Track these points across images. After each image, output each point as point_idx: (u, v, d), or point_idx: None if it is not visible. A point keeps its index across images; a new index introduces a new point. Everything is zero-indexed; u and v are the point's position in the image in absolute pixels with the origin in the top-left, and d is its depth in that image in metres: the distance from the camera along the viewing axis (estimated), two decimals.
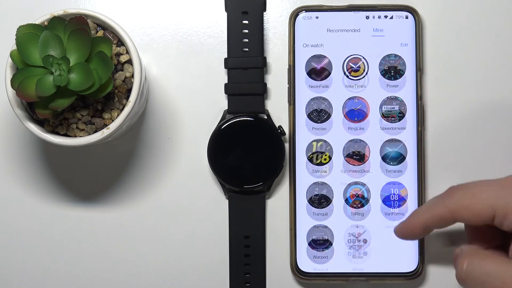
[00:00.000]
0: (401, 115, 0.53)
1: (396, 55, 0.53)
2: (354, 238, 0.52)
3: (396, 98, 0.53)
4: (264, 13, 0.53)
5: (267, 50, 0.54)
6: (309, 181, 0.53)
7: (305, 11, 0.53)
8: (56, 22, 0.46)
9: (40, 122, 0.48)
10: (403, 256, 0.52)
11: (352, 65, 0.53)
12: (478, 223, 0.43)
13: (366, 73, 0.53)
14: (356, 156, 0.53)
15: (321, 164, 0.53)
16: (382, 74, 0.53)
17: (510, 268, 0.41)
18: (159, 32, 0.54)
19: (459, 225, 0.53)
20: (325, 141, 0.53)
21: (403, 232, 0.46)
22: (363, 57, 0.53)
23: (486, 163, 0.53)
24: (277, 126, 0.52)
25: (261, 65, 0.52)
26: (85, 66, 0.45)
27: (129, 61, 0.48)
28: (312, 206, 0.53)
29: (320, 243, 0.53)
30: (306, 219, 0.53)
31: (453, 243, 0.53)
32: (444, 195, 0.44)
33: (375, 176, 0.53)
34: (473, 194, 0.42)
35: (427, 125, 0.54)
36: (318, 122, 0.53)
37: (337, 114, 0.53)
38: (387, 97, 0.53)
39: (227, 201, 0.53)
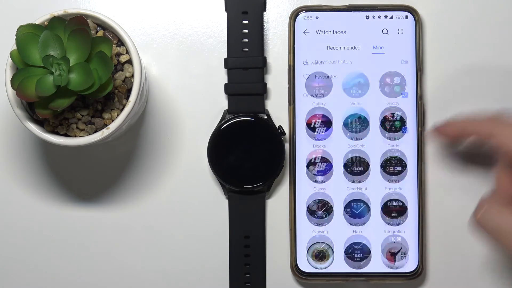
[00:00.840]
0: (401, 116, 0.53)
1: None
2: (354, 238, 0.52)
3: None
4: (264, 13, 0.53)
5: (267, 50, 0.54)
6: (309, 181, 0.53)
7: (305, 11, 0.53)
8: (56, 22, 0.46)
9: (40, 122, 0.48)
10: (403, 256, 0.52)
11: None
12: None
13: None
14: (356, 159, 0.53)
15: None
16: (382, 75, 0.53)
17: None
18: (159, 32, 0.54)
19: (461, 224, 0.53)
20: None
21: (439, 127, 0.48)
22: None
23: (486, 163, 0.53)
24: (277, 126, 0.52)
25: (261, 65, 0.52)
26: (85, 66, 0.45)
27: (129, 61, 0.48)
28: (312, 206, 0.53)
29: (320, 243, 0.53)
30: (306, 219, 0.53)
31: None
32: (493, 119, 0.45)
33: (375, 176, 0.53)
34: None
35: (427, 125, 0.53)
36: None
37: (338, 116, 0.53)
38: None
39: (227, 201, 0.53)
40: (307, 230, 0.52)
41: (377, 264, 0.52)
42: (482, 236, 0.44)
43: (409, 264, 0.52)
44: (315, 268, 0.52)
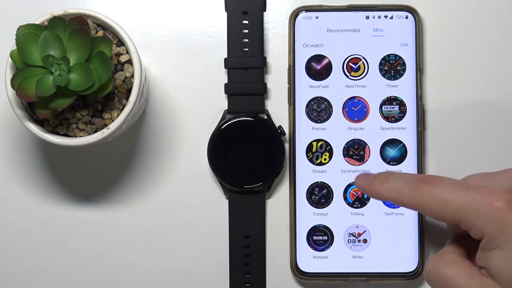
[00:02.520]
0: (401, 115, 0.53)
1: (396, 55, 0.53)
2: (354, 238, 0.52)
3: (396, 98, 0.53)
4: (264, 13, 0.53)
5: (267, 50, 0.54)
6: (309, 181, 0.53)
7: (305, 11, 0.53)
8: (56, 22, 0.46)
9: (40, 122, 0.48)
10: (403, 256, 0.52)
11: (352, 65, 0.53)
12: (445, 222, 0.43)
13: (366, 73, 0.53)
14: (356, 156, 0.53)
15: (321, 164, 0.53)
16: (382, 74, 0.53)
17: (469, 281, 0.41)
18: (159, 32, 0.54)
19: None
20: (325, 141, 0.53)
21: (364, 190, 0.45)
22: (363, 57, 0.53)
23: (486, 163, 0.53)
24: (277, 126, 0.52)
25: (261, 65, 0.52)
26: (85, 66, 0.45)
27: (129, 61, 0.48)
28: (312, 206, 0.53)
29: (320, 243, 0.53)
30: (306, 219, 0.53)
31: None
32: (414, 185, 0.43)
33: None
34: (441, 201, 0.41)
35: (427, 125, 0.54)
36: (318, 122, 0.53)
37: (337, 114, 0.53)
38: (387, 97, 0.53)
39: (227, 201, 0.53)
40: (307, 230, 0.52)
41: (377, 263, 0.52)
42: None
43: (409, 264, 0.52)
44: (315, 258, 0.52)
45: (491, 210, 0.40)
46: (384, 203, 0.53)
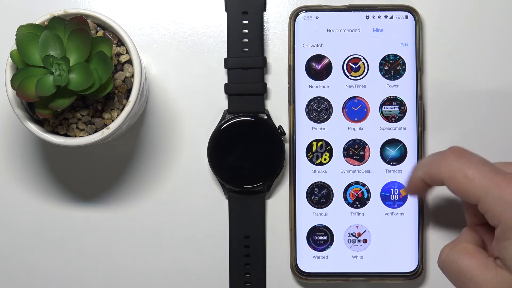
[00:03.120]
0: (401, 115, 0.53)
1: (396, 55, 0.53)
2: (354, 238, 0.52)
3: (396, 98, 0.53)
4: (264, 13, 0.53)
5: (267, 50, 0.54)
6: (309, 181, 0.53)
7: (305, 11, 0.53)
8: (56, 22, 0.46)
9: (40, 122, 0.48)
10: (403, 256, 0.52)
11: (352, 65, 0.53)
12: (462, 199, 0.43)
13: (366, 73, 0.53)
14: (356, 156, 0.53)
15: (321, 164, 0.53)
16: (382, 74, 0.53)
17: (483, 272, 0.41)
18: (159, 32, 0.54)
19: (461, 224, 0.53)
20: (325, 141, 0.53)
21: (407, 188, 0.47)
22: (363, 57, 0.53)
23: None
24: (277, 126, 0.52)
25: (261, 65, 0.52)
26: (85, 66, 0.45)
27: (129, 61, 0.48)
28: (312, 206, 0.53)
29: (320, 243, 0.53)
30: (306, 219, 0.53)
31: None
32: (443, 155, 0.43)
33: (375, 176, 0.53)
34: (466, 175, 0.41)
35: (427, 125, 0.54)
36: (318, 122, 0.53)
37: (337, 114, 0.53)
38: (387, 97, 0.53)
39: (227, 201, 0.53)
40: (307, 230, 0.52)
41: (377, 263, 0.52)
42: (450, 281, 0.44)
43: (409, 264, 0.52)
44: (315, 257, 0.52)
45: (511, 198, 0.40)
46: (384, 202, 0.53)
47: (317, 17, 0.53)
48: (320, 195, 0.53)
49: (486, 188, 0.40)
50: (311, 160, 0.53)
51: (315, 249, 0.53)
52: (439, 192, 0.53)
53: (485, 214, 0.41)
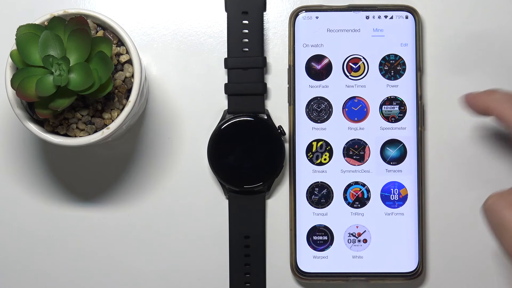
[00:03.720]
0: (401, 115, 0.53)
1: (396, 55, 0.53)
2: (354, 238, 0.52)
3: (396, 98, 0.53)
4: (264, 13, 0.53)
5: (267, 50, 0.54)
6: (309, 181, 0.53)
7: (305, 11, 0.53)
8: (56, 22, 0.46)
9: (40, 122, 0.48)
10: (403, 256, 0.52)
11: (352, 65, 0.53)
12: None
13: (366, 73, 0.53)
14: (356, 156, 0.53)
15: (321, 164, 0.53)
16: (382, 74, 0.53)
17: None
18: (159, 32, 0.54)
19: (461, 224, 0.53)
20: (325, 141, 0.53)
21: (468, 100, 0.48)
22: (363, 57, 0.53)
23: (486, 162, 0.53)
24: (277, 126, 0.52)
25: (261, 65, 0.52)
26: (85, 66, 0.45)
27: (129, 61, 0.48)
28: (312, 206, 0.53)
29: (320, 243, 0.53)
30: (306, 219, 0.53)
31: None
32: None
33: (375, 176, 0.53)
34: None
35: (427, 125, 0.54)
36: (318, 122, 0.53)
37: (337, 114, 0.53)
38: (387, 97, 0.53)
39: (227, 201, 0.53)
40: (307, 230, 0.52)
41: (377, 263, 0.52)
42: (487, 227, 0.44)
43: (409, 264, 0.52)
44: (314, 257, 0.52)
45: None
46: (384, 202, 0.52)
47: (317, 17, 0.53)
48: (320, 195, 0.53)
49: None
50: (311, 160, 0.53)
51: (315, 249, 0.53)
52: (439, 192, 0.53)
53: None
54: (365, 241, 0.53)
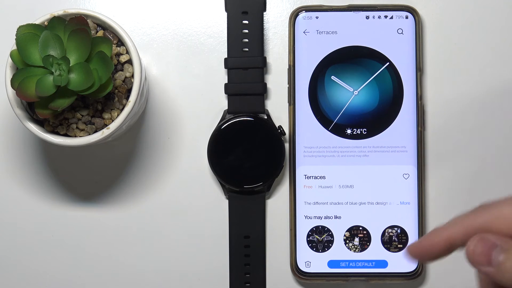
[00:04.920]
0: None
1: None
2: (354, 237, 0.52)
3: None
4: (264, 13, 0.53)
5: (267, 50, 0.54)
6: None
7: (305, 11, 0.53)
8: (56, 22, 0.46)
9: (40, 122, 0.48)
10: (403, 256, 0.52)
11: None
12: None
13: None
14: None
15: None
16: None
17: None
18: (159, 32, 0.54)
19: None
20: None
21: (419, 251, 0.37)
22: None
23: (486, 162, 0.53)
24: (277, 126, 0.52)
25: (261, 65, 0.52)
26: (85, 66, 0.45)
27: (129, 61, 0.48)
28: (312, 205, 0.53)
29: (320, 243, 0.53)
30: (306, 219, 0.53)
31: None
32: (473, 210, 0.38)
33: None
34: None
35: (427, 125, 0.54)
36: None
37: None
38: None
39: (227, 201, 0.53)
40: (307, 230, 0.53)
41: (377, 263, 0.52)
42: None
43: (409, 264, 0.52)
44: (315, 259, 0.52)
45: None
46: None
47: (317, 17, 0.53)
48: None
49: None
50: None
51: (315, 249, 0.53)
52: (439, 192, 0.53)
53: None
54: (365, 241, 0.53)
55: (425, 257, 0.37)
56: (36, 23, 0.47)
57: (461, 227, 0.37)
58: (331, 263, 0.52)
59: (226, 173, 0.52)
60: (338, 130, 0.53)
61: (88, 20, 0.48)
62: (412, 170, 0.52)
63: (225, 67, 0.53)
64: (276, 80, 0.54)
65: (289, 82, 0.53)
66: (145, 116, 0.54)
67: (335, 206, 0.52)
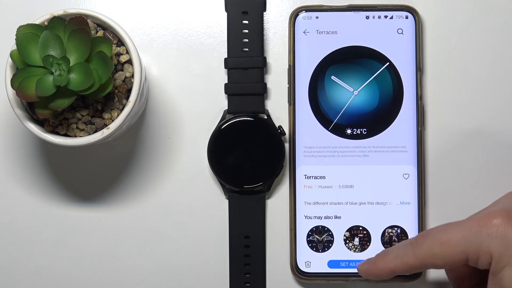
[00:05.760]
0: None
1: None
2: (354, 237, 0.52)
3: None
4: (264, 13, 0.53)
5: (267, 50, 0.54)
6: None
7: (305, 11, 0.53)
8: (56, 22, 0.46)
9: (40, 122, 0.48)
10: None
11: None
12: (453, 267, 0.43)
13: None
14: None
15: None
16: None
17: None
18: (159, 32, 0.54)
19: None
20: None
21: (369, 273, 0.47)
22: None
23: (486, 162, 0.53)
24: (277, 126, 0.52)
25: (261, 65, 0.52)
26: (85, 66, 0.45)
27: (129, 61, 0.48)
28: (312, 205, 0.53)
29: (320, 243, 0.53)
30: (306, 219, 0.53)
31: None
32: (413, 243, 0.44)
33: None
34: (442, 242, 0.42)
35: (427, 125, 0.54)
36: None
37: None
38: None
39: (227, 201, 0.53)
40: (307, 230, 0.52)
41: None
42: None
43: None
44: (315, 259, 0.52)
45: (491, 229, 0.40)
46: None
47: (317, 17, 0.53)
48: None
49: (464, 240, 0.42)
50: None
51: (315, 249, 0.52)
52: (439, 191, 0.53)
53: (477, 261, 0.41)
54: (365, 241, 0.52)
55: (373, 278, 0.48)
56: (36, 23, 0.47)
57: (403, 262, 0.45)
58: (331, 263, 0.52)
59: (226, 173, 0.52)
60: (338, 130, 0.53)
61: (88, 20, 0.48)
62: (412, 170, 0.52)
63: (225, 67, 0.53)
64: (276, 80, 0.54)
65: (289, 82, 0.53)
66: (145, 116, 0.54)
67: (335, 206, 0.53)
